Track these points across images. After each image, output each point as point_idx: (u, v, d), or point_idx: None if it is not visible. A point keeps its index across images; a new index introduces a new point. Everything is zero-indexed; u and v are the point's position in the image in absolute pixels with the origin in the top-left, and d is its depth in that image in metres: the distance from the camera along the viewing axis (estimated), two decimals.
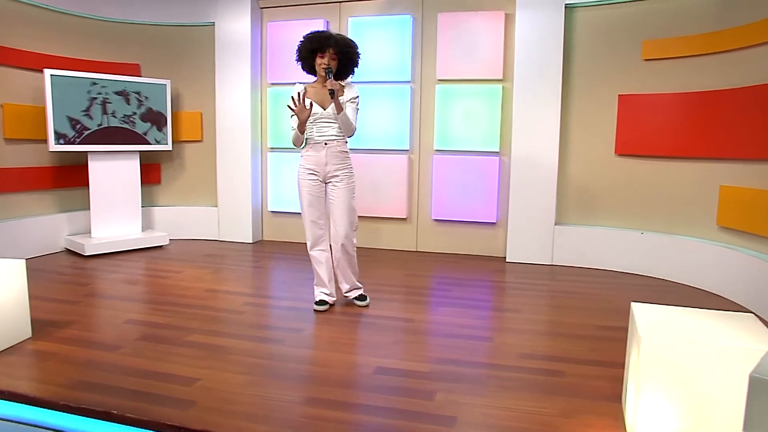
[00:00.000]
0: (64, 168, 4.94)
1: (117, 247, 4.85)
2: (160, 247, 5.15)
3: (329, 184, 3.27)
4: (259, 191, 5.56)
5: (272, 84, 5.39)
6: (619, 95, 4.37)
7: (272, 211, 5.56)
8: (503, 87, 4.79)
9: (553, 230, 4.65)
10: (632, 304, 2.18)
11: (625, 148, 4.39)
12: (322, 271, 3.34)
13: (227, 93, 5.34)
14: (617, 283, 4.10)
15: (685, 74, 4.03)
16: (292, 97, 3.13)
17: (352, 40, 3.21)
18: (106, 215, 4.95)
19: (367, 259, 4.64)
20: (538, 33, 4.51)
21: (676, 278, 4.11)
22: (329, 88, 3.06)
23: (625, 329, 3.04)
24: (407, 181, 5.10)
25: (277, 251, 5.11)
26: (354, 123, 3.22)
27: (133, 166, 5.10)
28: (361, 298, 3.43)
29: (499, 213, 4.93)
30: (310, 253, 3.34)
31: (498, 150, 4.86)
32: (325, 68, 3.12)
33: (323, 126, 3.20)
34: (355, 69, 3.29)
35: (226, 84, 5.33)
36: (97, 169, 4.87)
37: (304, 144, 3.25)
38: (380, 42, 4.99)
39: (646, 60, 4.23)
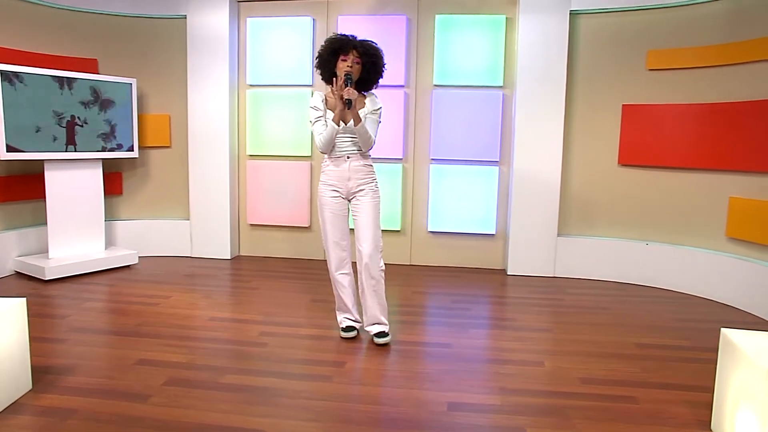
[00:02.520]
0: (12, 178, 4.45)
1: (82, 268, 4.42)
2: (128, 266, 4.75)
3: (352, 200, 3.12)
4: (236, 203, 5.27)
5: (251, 86, 5.13)
6: (623, 105, 4.51)
7: (251, 224, 5.29)
8: (504, 94, 4.82)
9: (556, 242, 4.74)
10: (722, 330, 2.24)
11: (628, 159, 4.54)
12: (346, 295, 3.19)
13: (201, 94, 5.02)
14: (630, 296, 4.23)
15: (691, 85, 4.23)
16: (326, 95, 3.07)
17: (378, 47, 3.03)
18: (65, 232, 4.50)
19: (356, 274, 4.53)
20: (542, 39, 4.57)
21: (684, 289, 4.31)
22: (346, 97, 2.87)
23: (665, 347, 3.17)
24: (401, 191, 5.02)
25: (262, 268, 4.86)
26: (373, 136, 3.04)
27: (96, 175, 4.67)
28: (382, 334, 3.10)
29: (497, 224, 4.96)
30: (334, 276, 3.18)
31: (498, 159, 4.89)
32: (345, 73, 2.90)
33: (344, 140, 3.03)
34: (380, 80, 3.11)
35: (199, 84, 5.01)
36: (55, 179, 4.42)
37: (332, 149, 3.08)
38: None
39: (650, 70, 4.40)
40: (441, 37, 4.83)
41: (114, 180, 5.06)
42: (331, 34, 3.07)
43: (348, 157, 3.05)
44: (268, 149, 5.16)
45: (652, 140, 4.41)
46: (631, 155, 4.53)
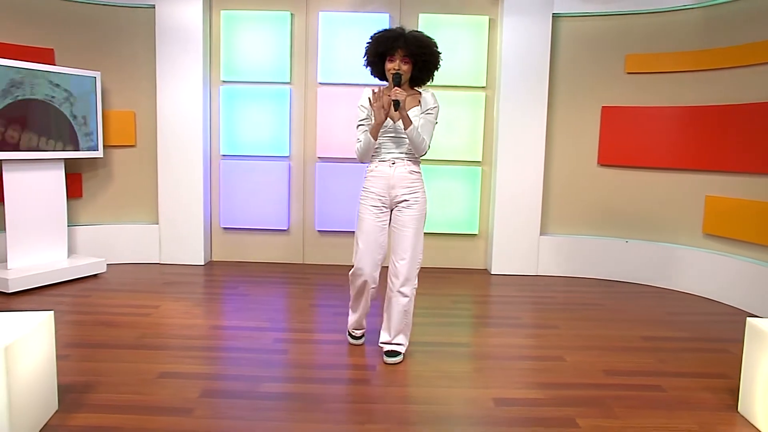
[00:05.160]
0: None
1: (47, 279, 4.22)
2: (95, 276, 4.57)
3: (395, 210, 2.98)
4: (209, 205, 5.19)
5: (225, 82, 5.08)
6: (602, 107, 4.87)
7: (224, 228, 5.23)
8: (486, 95, 5.06)
9: (538, 241, 5.03)
10: (749, 319, 2.53)
11: (608, 159, 4.90)
12: (364, 305, 3.15)
13: (171, 90, 4.91)
14: (616, 292, 4.57)
15: (668, 89, 4.63)
16: (369, 98, 2.89)
17: (428, 38, 2.89)
18: (26, 239, 4.27)
19: (344, 278, 4.60)
20: (525, 41, 4.84)
21: (663, 284, 4.71)
22: (393, 98, 2.76)
23: (668, 339, 3.50)
24: None
25: (243, 274, 4.82)
26: (427, 140, 2.91)
27: (58, 177, 4.47)
28: (394, 353, 3.00)
29: (480, 224, 5.19)
30: (361, 289, 3.07)
31: (480, 160, 5.12)
32: (393, 73, 2.83)
33: (392, 141, 2.92)
34: (435, 72, 2.99)
35: (169, 80, 4.90)
36: (13, 181, 4.19)
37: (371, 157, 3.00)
38: (353, 41, 4.95)
39: (629, 73, 4.78)
40: None
41: (73, 182, 4.83)
42: (378, 31, 2.90)
43: (393, 163, 2.93)
44: (243, 149, 5.12)
45: (630, 141, 4.79)
46: (611, 156, 4.90)
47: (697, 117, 4.47)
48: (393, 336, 3.00)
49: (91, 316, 3.64)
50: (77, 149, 4.52)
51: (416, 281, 2.99)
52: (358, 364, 2.98)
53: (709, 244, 4.50)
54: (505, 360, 3.11)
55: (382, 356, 3.01)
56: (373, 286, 3.04)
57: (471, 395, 2.65)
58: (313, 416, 2.40)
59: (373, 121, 2.86)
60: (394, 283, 2.95)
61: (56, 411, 2.37)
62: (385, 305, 3.05)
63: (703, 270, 4.46)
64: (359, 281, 3.02)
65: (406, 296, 2.95)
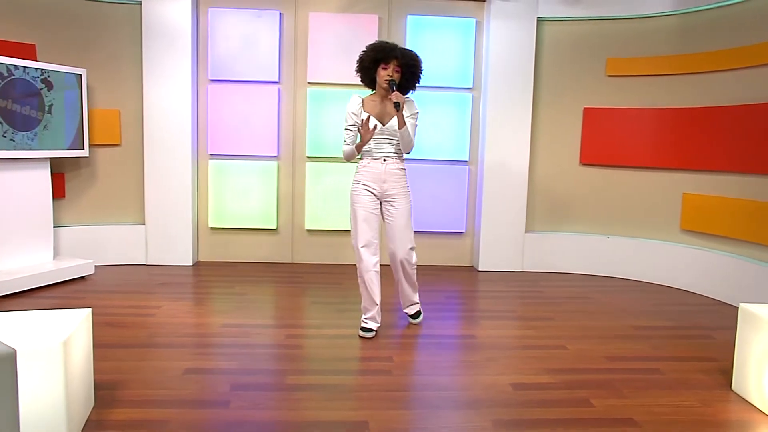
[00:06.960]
0: None
1: (35, 281, 4.22)
2: (83, 278, 4.59)
3: (386, 203, 3.45)
4: (197, 205, 5.26)
5: (213, 80, 5.16)
6: (584, 108, 5.20)
7: (212, 228, 5.30)
8: (473, 96, 5.32)
9: (524, 238, 5.33)
10: (741, 305, 2.85)
11: (589, 158, 5.24)
12: (376, 294, 3.42)
13: (158, 89, 4.96)
14: (601, 286, 4.90)
15: (647, 91, 5.00)
16: (362, 120, 3.29)
17: (417, 55, 3.39)
18: (10, 241, 4.26)
19: (336, 276, 4.90)
20: (511, 44, 5.13)
21: (644, 278, 5.06)
22: (395, 101, 3.22)
23: (657, 328, 3.84)
24: None
25: (235, 274, 4.92)
26: (413, 139, 3.42)
27: (43, 177, 4.47)
28: (416, 315, 3.71)
29: (466, 222, 5.45)
30: (366, 274, 3.39)
31: (467, 159, 5.37)
32: (388, 80, 3.28)
33: (382, 142, 3.39)
34: (417, 85, 3.48)
35: (156, 78, 4.95)
36: (1, 181, 4.18)
37: (359, 156, 3.44)
38: (342, 41, 5.12)
39: (610, 76, 5.12)
40: (412, 38, 5.21)
41: (57, 182, 4.81)
42: (374, 42, 3.38)
43: (385, 160, 3.40)
44: (231, 148, 5.21)
45: (611, 141, 5.14)
46: (592, 155, 5.23)
47: (674, 118, 4.85)
48: (409, 301, 3.65)
49: (92, 317, 3.68)
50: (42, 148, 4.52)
51: (415, 258, 3.51)
52: (375, 356, 3.17)
53: (686, 239, 4.88)
54: (512, 350, 3.36)
55: (409, 319, 3.73)
56: (375, 270, 3.40)
57: (489, 381, 2.87)
58: (347, 404, 2.57)
59: (360, 138, 3.36)
60: (395, 263, 3.45)
61: (93, 407, 2.46)
62: (395, 282, 3.61)
63: (680, 263, 4.84)
64: (361, 266, 3.39)
65: (407, 271, 3.50)
